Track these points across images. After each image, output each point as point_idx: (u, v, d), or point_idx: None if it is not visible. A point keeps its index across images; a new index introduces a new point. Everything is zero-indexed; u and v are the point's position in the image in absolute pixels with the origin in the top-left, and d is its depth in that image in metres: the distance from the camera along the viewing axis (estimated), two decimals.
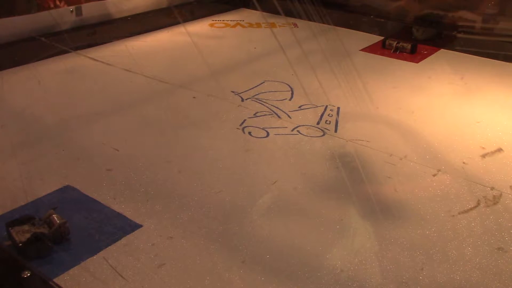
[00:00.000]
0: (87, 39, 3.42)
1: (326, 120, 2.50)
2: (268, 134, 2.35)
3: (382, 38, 3.63)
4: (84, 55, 3.24)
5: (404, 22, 3.90)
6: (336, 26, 3.88)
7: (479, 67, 3.25)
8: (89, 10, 3.53)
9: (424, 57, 3.43)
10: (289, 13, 3.91)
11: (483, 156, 2.23)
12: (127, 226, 1.71)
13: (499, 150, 2.28)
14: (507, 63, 3.32)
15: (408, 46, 3.45)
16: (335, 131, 2.40)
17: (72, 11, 3.42)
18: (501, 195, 1.95)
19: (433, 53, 3.49)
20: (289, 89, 2.86)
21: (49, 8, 3.27)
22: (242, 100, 2.69)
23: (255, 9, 4.43)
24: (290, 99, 2.73)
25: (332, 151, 2.23)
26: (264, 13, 4.44)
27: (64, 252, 1.59)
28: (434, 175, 2.07)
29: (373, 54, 3.47)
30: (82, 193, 1.88)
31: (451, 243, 1.69)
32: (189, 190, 1.93)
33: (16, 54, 3.07)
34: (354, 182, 2.01)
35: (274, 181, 2.00)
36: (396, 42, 3.48)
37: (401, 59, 3.37)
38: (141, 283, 1.48)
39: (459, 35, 3.67)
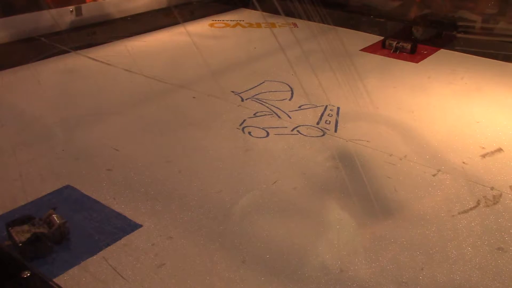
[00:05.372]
0: (87, 39, 3.42)
1: (326, 120, 2.50)
2: (268, 134, 2.35)
3: (382, 38, 3.63)
4: (84, 55, 3.24)
5: (404, 22, 3.90)
6: (336, 26, 3.89)
7: (479, 67, 3.25)
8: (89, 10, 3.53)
9: (424, 57, 3.43)
10: (289, 13, 3.91)
11: (483, 156, 2.23)
12: (127, 226, 1.71)
13: (499, 150, 2.28)
14: (507, 63, 3.33)
15: (408, 46, 3.45)
16: (335, 131, 2.40)
17: (72, 11, 3.42)
18: (501, 195, 1.95)
19: (433, 53, 3.49)
20: (289, 89, 2.86)
21: None
22: (242, 100, 2.69)
23: (255, 9, 4.43)
24: (290, 99, 2.73)
25: (332, 151, 2.23)
26: (264, 13, 4.44)
27: (64, 252, 1.59)
28: (434, 175, 2.07)
29: (373, 54, 3.47)
30: (82, 193, 1.88)
31: (451, 243, 1.69)
32: (189, 190, 1.93)
33: (16, 54, 3.07)
34: (354, 182, 2.01)
35: (274, 181, 2.00)
36: (396, 42, 3.48)
37: (401, 59, 3.37)
38: (141, 283, 1.48)
39: (459, 35, 3.67)
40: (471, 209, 1.86)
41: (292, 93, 2.80)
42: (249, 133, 2.36)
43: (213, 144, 2.26)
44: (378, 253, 1.64)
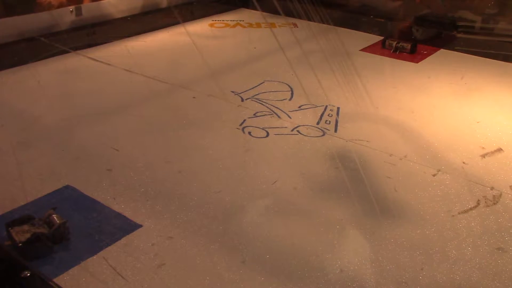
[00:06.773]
0: (87, 39, 3.42)
1: (326, 120, 2.50)
2: (268, 134, 2.35)
3: (382, 38, 3.63)
4: (84, 55, 3.24)
5: (404, 22, 3.90)
6: (336, 26, 3.89)
7: (479, 67, 3.25)
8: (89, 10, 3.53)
9: (424, 57, 3.43)
10: (289, 13, 3.91)
11: (483, 156, 2.23)
12: (127, 226, 1.71)
13: (499, 150, 2.28)
14: (507, 63, 3.33)
15: (408, 46, 3.46)
16: (335, 131, 2.40)
17: (72, 11, 3.42)
18: (501, 195, 1.95)
19: (433, 53, 3.49)
20: (289, 89, 2.86)
21: None
22: (242, 100, 2.69)
23: (255, 9, 4.43)
24: (290, 99, 2.73)
25: (332, 151, 2.23)
26: (264, 13, 4.45)
27: (64, 252, 1.59)
28: (434, 175, 2.07)
29: (373, 54, 3.47)
30: (82, 193, 1.88)
31: (451, 243, 1.69)
32: (189, 190, 1.93)
33: (16, 54, 3.07)
34: (354, 182, 2.01)
35: (274, 181, 2.00)
36: (396, 42, 3.48)
37: (401, 59, 3.38)
38: (141, 283, 1.48)
39: (459, 35, 3.67)
40: (471, 209, 1.86)
41: (292, 93, 2.80)
42: (249, 133, 2.36)
43: (213, 144, 2.26)
44: (378, 253, 1.64)
